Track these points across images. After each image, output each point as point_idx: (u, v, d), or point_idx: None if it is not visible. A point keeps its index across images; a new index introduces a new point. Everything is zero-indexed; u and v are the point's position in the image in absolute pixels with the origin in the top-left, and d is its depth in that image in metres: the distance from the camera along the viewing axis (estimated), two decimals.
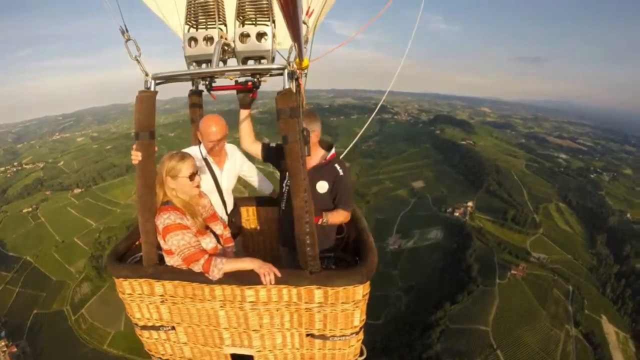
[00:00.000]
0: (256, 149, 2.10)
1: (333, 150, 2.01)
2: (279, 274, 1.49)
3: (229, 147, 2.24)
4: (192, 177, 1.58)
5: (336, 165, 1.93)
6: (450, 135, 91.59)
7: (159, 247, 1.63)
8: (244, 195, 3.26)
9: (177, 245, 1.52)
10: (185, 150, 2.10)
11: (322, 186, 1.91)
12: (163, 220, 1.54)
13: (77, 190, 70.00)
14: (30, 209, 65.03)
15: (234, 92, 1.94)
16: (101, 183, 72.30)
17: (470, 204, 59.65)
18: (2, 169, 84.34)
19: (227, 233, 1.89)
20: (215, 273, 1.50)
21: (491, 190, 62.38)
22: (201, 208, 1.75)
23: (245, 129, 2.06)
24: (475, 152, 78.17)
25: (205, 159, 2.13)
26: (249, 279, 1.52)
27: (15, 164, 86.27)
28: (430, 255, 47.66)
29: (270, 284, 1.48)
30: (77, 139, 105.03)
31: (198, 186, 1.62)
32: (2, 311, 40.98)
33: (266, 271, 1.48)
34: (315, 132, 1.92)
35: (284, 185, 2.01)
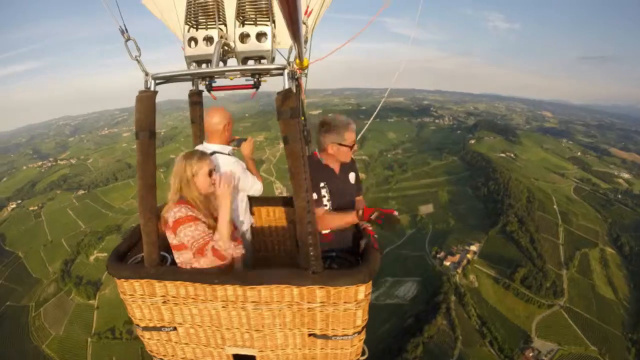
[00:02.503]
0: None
1: None
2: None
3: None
4: (210, 173, 1.76)
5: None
6: (488, 145, 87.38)
7: (161, 248, 1.77)
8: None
9: (190, 235, 1.66)
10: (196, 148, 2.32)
11: (352, 177, 2.24)
12: (174, 213, 1.69)
13: (80, 192, 76.91)
14: (35, 208, 72.72)
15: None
16: (112, 183, 78.30)
17: (473, 247, 49.86)
18: (40, 163, 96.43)
19: (236, 234, 2.03)
20: (228, 248, 1.67)
21: (507, 230, 51.51)
22: (212, 208, 1.88)
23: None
24: (508, 171, 69.79)
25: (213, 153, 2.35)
26: (251, 279, 1.66)
27: (51, 159, 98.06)
28: (382, 324, 38.26)
29: (222, 186, 1.68)
30: (124, 134, 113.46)
31: (214, 182, 1.77)
32: None
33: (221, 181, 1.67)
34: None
35: (320, 193, 2.23)
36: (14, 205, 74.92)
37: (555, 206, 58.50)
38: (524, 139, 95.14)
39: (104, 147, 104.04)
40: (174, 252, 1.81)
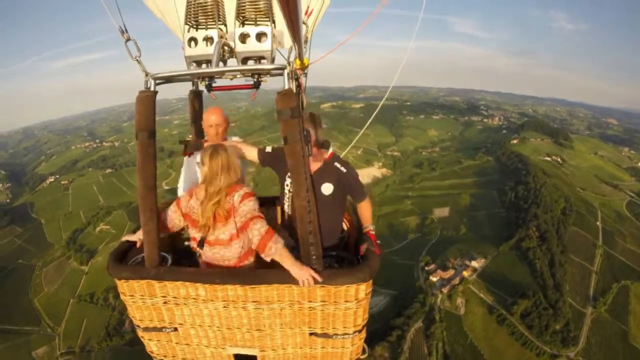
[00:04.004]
0: (251, 155, 2.39)
1: (330, 150, 2.24)
2: (319, 279, 1.69)
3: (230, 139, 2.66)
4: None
5: (336, 163, 2.17)
6: (532, 147, 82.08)
7: (161, 248, 1.85)
8: None
9: (255, 208, 1.81)
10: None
11: (327, 188, 2.12)
12: (252, 205, 1.80)
13: (108, 170, 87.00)
14: (66, 182, 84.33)
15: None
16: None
17: (475, 263, 41.54)
18: (87, 144, 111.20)
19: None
20: (273, 252, 1.71)
21: (523, 247, 42.66)
22: None
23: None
24: (545, 175, 62.36)
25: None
26: (251, 278, 1.75)
27: (97, 141, 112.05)
28: None
29: (310, 285, 1.69)
30: (175, 121, 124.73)
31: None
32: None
33: (306, 278, 1.68)
34: (310, 136, 2.13)
35: (285, 185, 2.28)
36: (52, 180, 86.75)
37: (598, 222, 49.47)
38: (576, 143, 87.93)
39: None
40: (223, 244, 1.85)
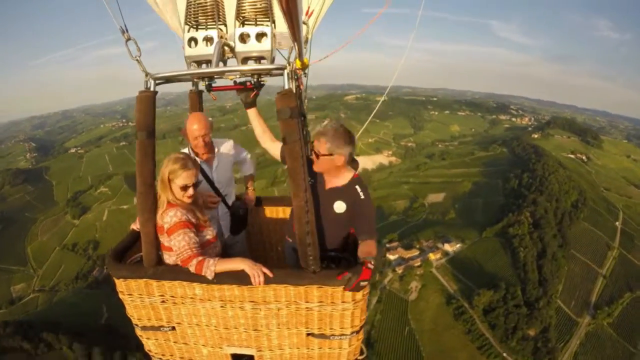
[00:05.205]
0: (274, 148, 2.22)
1: (356, 171, 2.15)
2: (270, 275, 1.73)
3: (218, 142, 2.60)
4: (184, 188, 1.82)
5: (357, 187, 2.03)
6: (556, 143, 78.49)
7: (159, 248, 1.88)
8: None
9: (177, 246, 1.78)
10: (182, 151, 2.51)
11: (340, 206, 2.02)
12: (170, 218, 1.80)
13: (122, 143, 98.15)
14: (82, 151, 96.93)
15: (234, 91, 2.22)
16: (158, 141, 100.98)
17: (449, 247, 36.53)
18: (115, 123, 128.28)
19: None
20: (208, 274, 1.74)
21: (510, 233, 36.80)
22: (195, 203, 1.98)
23: (259, 128, 2.25)
24: (559, 166, 58.84)
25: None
26: (248, 278, 1.75)
27: (124, 121, 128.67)
28: None
29: (260, 284, 1.73)
30: None
31: (190, 197, 1.86)
32: (8, 208, 67.99)
33: (256, 272, 1.72)
34: (341, 155, 1.96)
35: None
36: (73, 151, 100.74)
37: (618, 223, 44.61)
38: (607, 144, 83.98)
39: (174, 116, 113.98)
40: (164, 253, 1.93)
